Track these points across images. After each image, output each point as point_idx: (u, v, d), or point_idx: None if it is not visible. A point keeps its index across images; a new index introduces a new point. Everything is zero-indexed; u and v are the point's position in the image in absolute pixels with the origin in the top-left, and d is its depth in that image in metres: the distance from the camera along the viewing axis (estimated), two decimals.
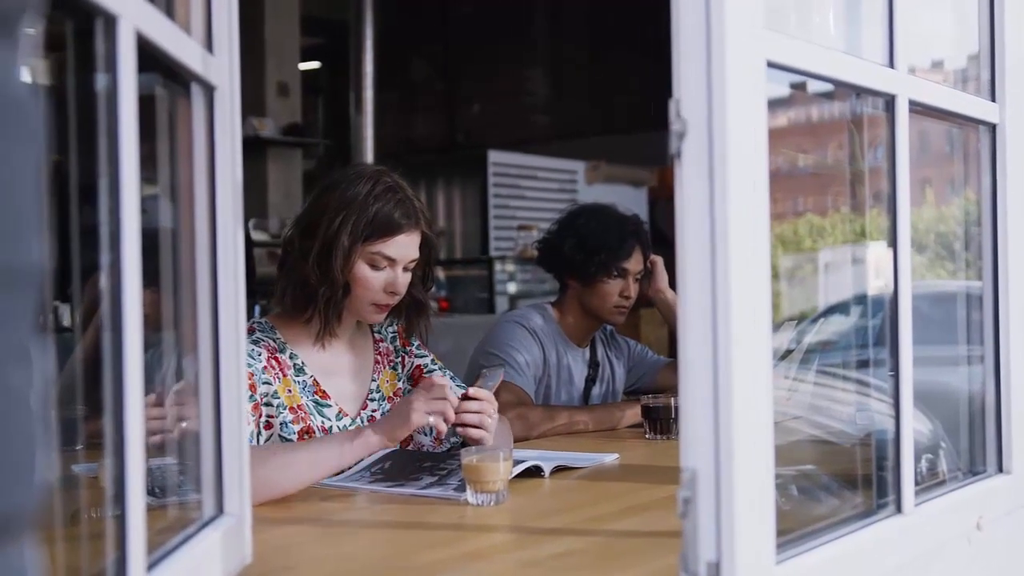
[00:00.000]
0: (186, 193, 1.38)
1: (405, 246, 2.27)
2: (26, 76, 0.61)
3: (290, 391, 2.23)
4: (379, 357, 2.44)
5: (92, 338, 1.66)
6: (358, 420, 2.32)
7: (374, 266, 2.25)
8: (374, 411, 2.36)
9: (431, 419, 2.06)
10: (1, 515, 0.58)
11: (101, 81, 1.04)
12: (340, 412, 2.29)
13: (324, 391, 2.29)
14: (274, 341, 2.27)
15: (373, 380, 2.40)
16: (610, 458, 2.39)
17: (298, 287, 2.26)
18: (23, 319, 0.59)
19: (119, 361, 1.03)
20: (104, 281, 1.04)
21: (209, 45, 1.38)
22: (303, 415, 2.23)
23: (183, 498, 1.47)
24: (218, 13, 1.40)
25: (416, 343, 2.51)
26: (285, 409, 2.21)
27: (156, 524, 1.26)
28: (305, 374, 2.28)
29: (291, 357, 2.28)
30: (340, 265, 2.21)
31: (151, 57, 1.15)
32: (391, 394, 2.41)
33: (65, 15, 1.00)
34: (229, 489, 1.40)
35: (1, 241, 0.58)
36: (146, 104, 1.11)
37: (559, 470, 2.22)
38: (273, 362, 2.23)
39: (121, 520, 1.03)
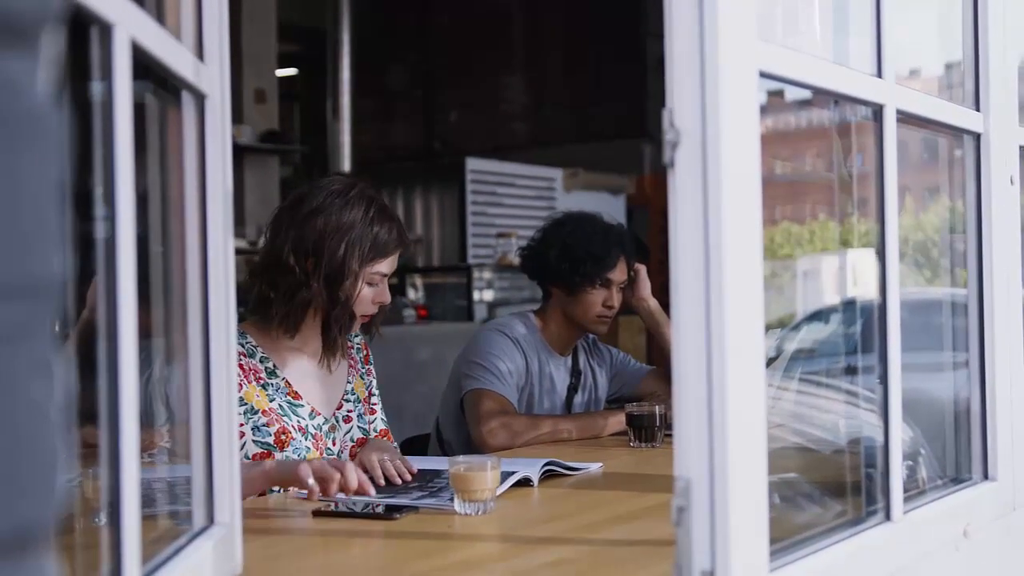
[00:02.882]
0: (176, 201, 1.38)
1: (395, 261, 2.39)
2: (46, 87, 0.60)
3: (258, 396, 2.28)
4: (352, 362, 2.52)
5: (75, 345, 1.64)
6: (332, 419, 2.40)
7: (370, 284, 2.34)
8: (349, 411, 2.45)
9: (311, 481, 1.95)
10: (24, 527, 0.58)
11: (95, 89, 1.04)
12: (313, 411, 2.36)
13: (296, 392, 2.35)
14: (243, 346, 2.30)
15: (348, 382, 2.48)
16: (595, 467, 2.39)
17: (301, 309, 2.31)
18: (43, 331, 0.59)
19: (114, 370, 1.02)
20: (99, 290, 1.03)
21: (200, 53, 1.37)
22: (276, 416, 2.28)
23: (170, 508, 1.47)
24: (209, 21, 1.39)
25: (366, 368, 2.58)
26: (256, 413, 2.26)
27: (146, 534, 1.25)
28: (278, 376, 2.33)
29: (261, 361, 2.33)
30: (350, 290, 2.30)
31: (143, 65, 1.14)
32: (363, 397, 2.51)
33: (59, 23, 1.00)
34: (220, 499, 1.39)
35: (22, 253, 0.57)
36: (136, 112, 1.10)
37: (548, 476, 2.22)
38: (239, 369, 2.25)
39: (116, 530, 1.02)
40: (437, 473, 2.22)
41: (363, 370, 2.54)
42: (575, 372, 3.21)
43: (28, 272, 0.58)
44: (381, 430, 2.51)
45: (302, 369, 2.39)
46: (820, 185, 2.07)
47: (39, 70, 0.60)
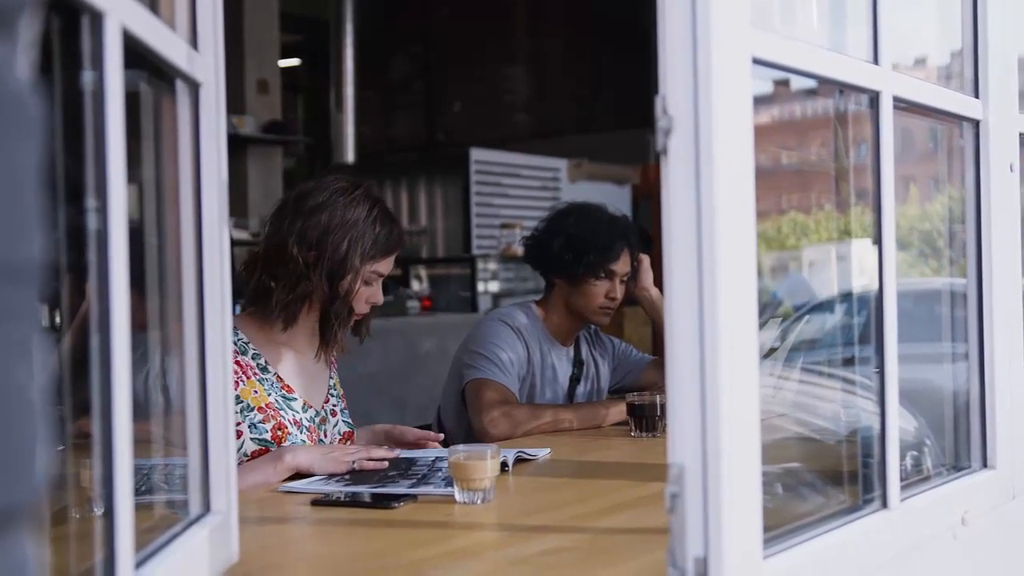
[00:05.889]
0: (171, 191, 1.38)
1: (392, 263, 2.44)
2: (25, 72, 0.60)
3: (256, 392, 2.32)
4: (332, 360, 2.56)
5: (74, 337, 1.65)
6: (322, 412, 2.45)
7: (366, 283, 2.38)
8: (334, 406, 2.51)
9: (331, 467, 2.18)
10: (4, 509, 0.58)
11: (87, 78, 1.04)
12: (305, 404, 2.40)
13: (288, 385, 2.39)
14: (235, 344, 2.31)
15: (331, 378, 2.53)
16: (543, 452, 2.43)
17: (300, 301, 2.34)
18: (25, 314, 0.60)
19: (107, 360, 1.02)
20: (90, 281, 1.03)
21: (194, 42, 1.37)
22: (272, 412, 2.32)
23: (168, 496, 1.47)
24: (203, 9, 1.39)
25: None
26: (252, 411, 2.30)
27: (142, 522, 1.26)
28: (269, 372, 2.37)
29: (253, 357, 2.37)
30: (349, 285, 2.34)
31: (135, 54, 1.14)
32: (341, 394, 2.57)
33: (50, 11, 1.00)
34: (216, 487, 1.40)
35: (4, 236, 0.58)
36: (129, 101, 1.10)
37: (519, 462, 2.28)
38: (235, 366, 2.27)
39: (109, 519, 1.02)
40: (411, 463, 2.23)
41: (336, 368, 2.60)
42: (578, 362, 3.21)
43: (7, 255, 0.58)
44: (346, 432, 2.54)
45: (291, 364, 2.43)
46: (828, 175, 2.07)
47: (17, 55, 0.60)
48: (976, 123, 1.86)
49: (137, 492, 1.13)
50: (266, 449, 2.27)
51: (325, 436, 2.43)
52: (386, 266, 2.41)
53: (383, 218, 2.38)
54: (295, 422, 2.34)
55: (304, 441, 2.33)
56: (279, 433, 2.30)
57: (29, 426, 0.60)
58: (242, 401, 2.28)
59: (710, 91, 1.17)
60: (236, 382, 2.27)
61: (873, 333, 1.58)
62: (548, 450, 2.46)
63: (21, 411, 0.59)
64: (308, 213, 2.33)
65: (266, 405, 2.31)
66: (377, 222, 2.36)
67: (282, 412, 2.33)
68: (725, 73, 1.19)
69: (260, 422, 2.29)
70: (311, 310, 2.38)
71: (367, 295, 2.39)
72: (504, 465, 2.17)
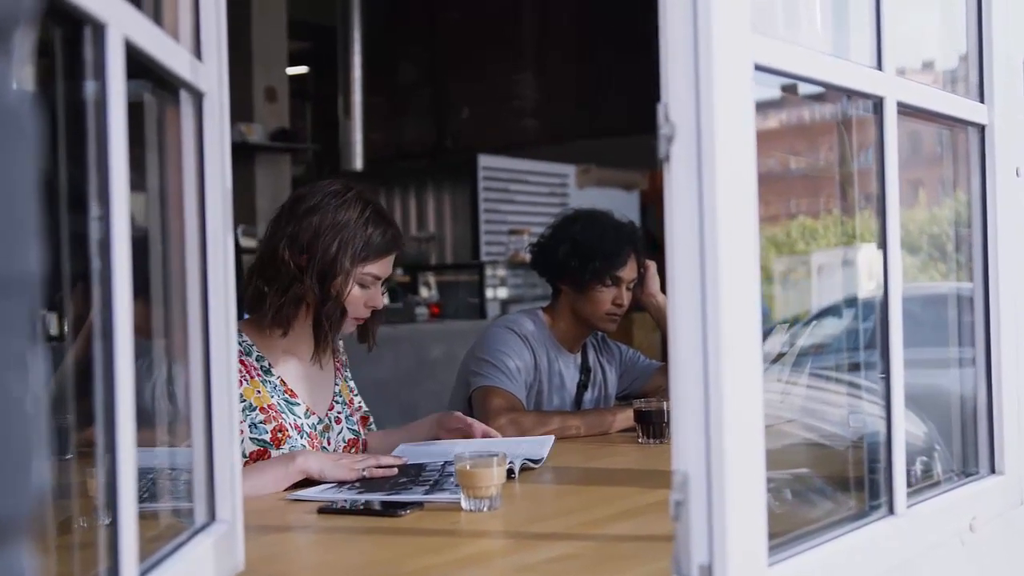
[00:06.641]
0: (175, 200, 1.38)
1: (390, 265, 2.42)
2: (21, 84, 0.61)
3: (259, 392, 2.33)
4: (338, 365, 2.56)
5: (81, 347, 1.65)
6: (326, 419, 2.45)
7: (362, 285, 2.37)
8: (339, 413, 2.50)
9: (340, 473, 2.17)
10: (1, 520, 0.58)
11: (89, 88, 1.04)
12: (308, 410, 2.40)
13: (292, 390, 2.39)
14: (240, 345, 2.32)
15: (336, 384, 2.53)
16: (548, 441, 2.46)
17: (293, 304, 2.34)
18: (20, 326, 0.60)
19: (110, 369, 1.02)
20: (94, 290, 1.03)
21: (198, 52, 1.38)
22: (274, 414, 2.32)
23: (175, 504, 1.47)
24: (206, 19, 1.40)
25: (348, 372, 2.62)
26: (254, 410, 2.30)
27: (148, 531, 1.26)
28: (273, 375, 2.37)
29: (258, 360, 2.37)
30: (340, 287, 2.33)
31: (139, 64, 1.14)
32: (348, 400, 2.55)
33: (53, 22, 1.00)
34: (221, 496, 1.40)
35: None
36: (134, 111, 1.10)
37: (524, 469, 2.27)
38: (239, 366, 2.29)
39: (113, 528, 1.03)
40: (420, 469, 2.23)
41: (346, 374, 2.60)
42: (585, 369, 3.20)
43: (4, 268, 0.58)
44: (363, 417, 2.57)
45: (295, 370, 2.42)
46: (837, 180, 2.07)
47: (13, 69, 0.60)
48: (982, 128, 1.86)
49: (141, 499, 1.13)
50: (265, 450, 2.27)
51: (328, 443, 2.42)
52: (381, 268, 2.39)
53: (376, 220, 2.37)
54: (296, 426, 2.34)
55: (304, 446, 2.33)
56: (279, 435, 2.30)
57: (25, 438, 0.60)
58: (244, 400, 2.28)
59: (712, 98, 1.17)
60: (239, 381, 2.27)
61: (880, 337, 1.58)
62: (552, 437, 2.48)
63: (17, 423, 0.59)
64: (301, 217, 2.34)
65: (268, 406, 2.31)
66: (369, 223, 2.35)
67: (284, 415, 2.33)
68: (727, 79, 1.19)
69: (261, 422, 2.29)
70: (308, 315, 2.38)
71: (365, 298, 2.38)
72: (510, 472, 2.17)
